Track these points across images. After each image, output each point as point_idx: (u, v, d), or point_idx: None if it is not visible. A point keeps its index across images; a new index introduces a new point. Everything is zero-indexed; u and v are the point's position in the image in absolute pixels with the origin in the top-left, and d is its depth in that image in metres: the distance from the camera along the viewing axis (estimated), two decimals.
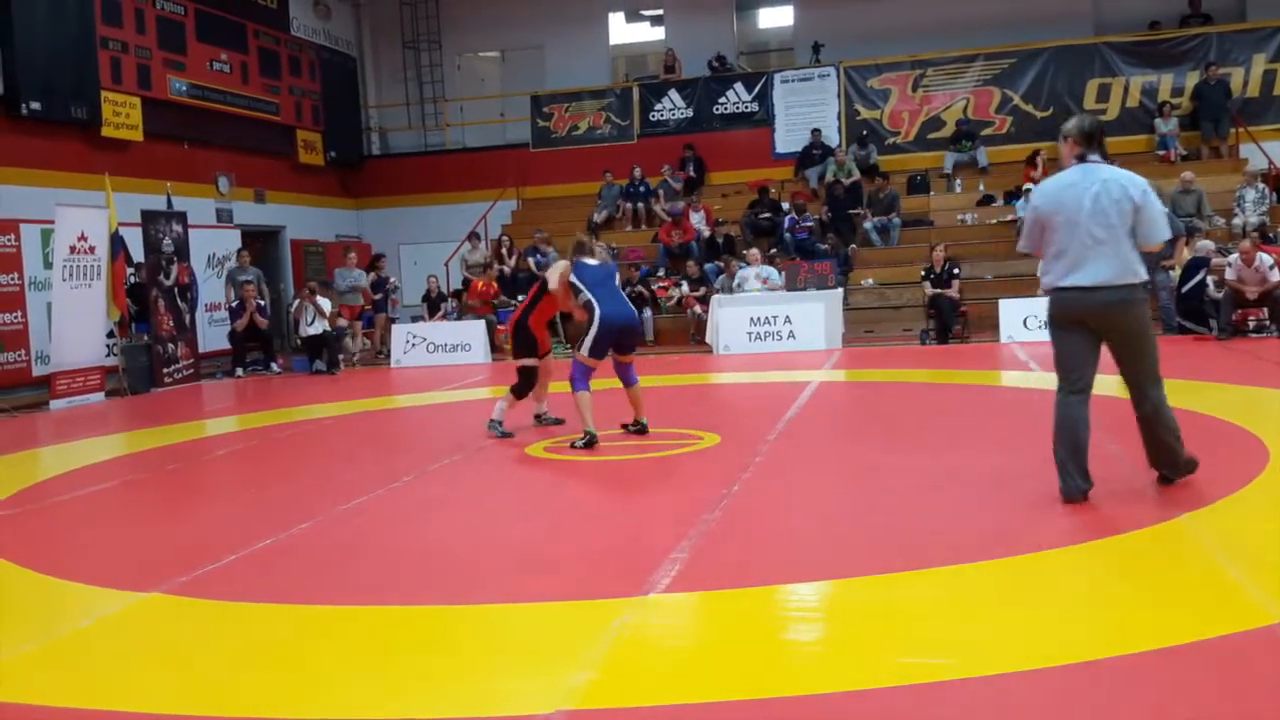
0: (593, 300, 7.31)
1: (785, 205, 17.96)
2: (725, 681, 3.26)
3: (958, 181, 18.53)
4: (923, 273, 14.79)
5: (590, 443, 7.22)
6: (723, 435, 7.60)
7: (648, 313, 16.15)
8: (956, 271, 14.45)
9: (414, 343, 15.76)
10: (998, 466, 6.14)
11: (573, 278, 7.48)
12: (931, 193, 18.55)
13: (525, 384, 7.92)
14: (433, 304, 17.02)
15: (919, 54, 19.18)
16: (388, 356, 16.13)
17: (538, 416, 8.45)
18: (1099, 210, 4.89)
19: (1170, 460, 5.18)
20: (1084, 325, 5.01)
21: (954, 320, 14.29)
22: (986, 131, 18.80)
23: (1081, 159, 5.04)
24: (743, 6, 21.54)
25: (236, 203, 18.12)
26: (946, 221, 17.71)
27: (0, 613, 4.48)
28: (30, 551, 5.38)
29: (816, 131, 19.16)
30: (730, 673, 3.33)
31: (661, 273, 17.25)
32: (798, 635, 3.74)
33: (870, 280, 16.56)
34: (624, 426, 7.75)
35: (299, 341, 15.60)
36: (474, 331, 15.76)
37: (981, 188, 18.20)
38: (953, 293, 14.27)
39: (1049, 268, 5.08)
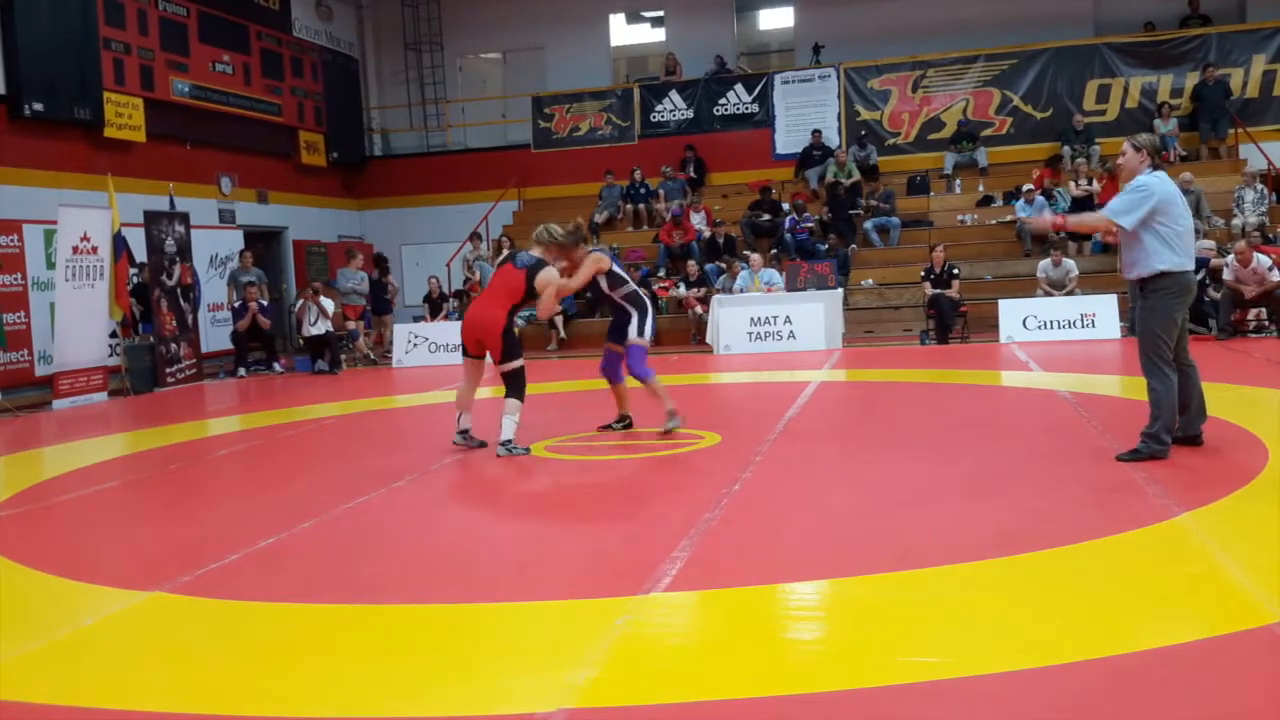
0: (638, 289, 7.54)
1: (785, 206, 17.99)
2: (726, 680, 3.28)
3: (957, 182, 18.56)
4: (922, 273, 14.82)
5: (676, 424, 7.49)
6: (723, 435, 7.63)
7: None
8: (956, 272, 14.48)
9: (416, 343, 15.80)
10: (997, 466, 6.16)
11: (616, 268, 7.54)
12: (931, 193, 18.57)
13: (522, 384, 7.44)
14: (434, 304, 17.07)
15: (919, 55, 19.22)
16: (388, 356, 16.20)
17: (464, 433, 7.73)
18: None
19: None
20: None
21: (954, 320, 14.32)
22: (986, 132, 18.84)
23: (1155, 168, 5.92)
24: (743, 8, 21.56)
25: (239, 203, 18.16)
26: (946, 222, 17.74)
27: (3, 612, 4.51)
28: (33, 551, 5.40)
29: (817, 132, 19.19)
30: (731, 671, 3.35)
31: (662, 273, 17.29)
32: (798, 634, 3.76)
33: (870, 280, 16.57)
34: (603, 428, 7.74)
35: (302, 341, 15.64)
36: None
37: (981, 188, 18.23)
38: (952, 293, 14.30)
39: (1172, 250, 5.77)
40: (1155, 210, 5.77)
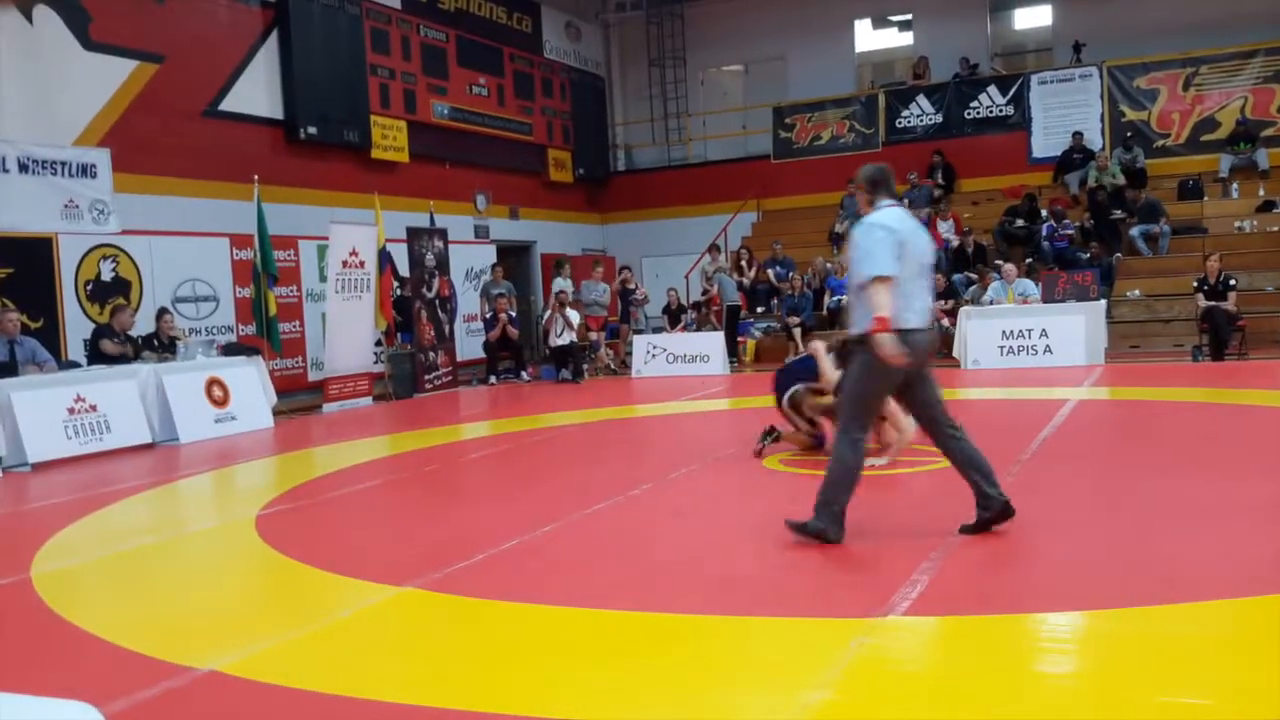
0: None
1: (1044, 212, 17.14)
2: (967, 711, 3.11)
3: (1234, 186, 17.13)
4: (1195, 284, 13.74)
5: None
6: None
7: None
8: (1233, 282, 13.34)
9: (654, 353, 16.02)
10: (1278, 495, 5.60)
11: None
12: (1205, 198, 17.23)
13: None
14: (673, 315, 17.26)
15: (1190, 51, 17.88)
16: (628, 367, 16.52)
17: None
18: None
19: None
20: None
21: (1230, 335, 13.19)
22: (1267, 132, 17.29)
23: (874, 202, 4.98)
24: (997, 7, 20.73)
25: (492, 219, 18.99)
26: (1222, 229, 16.41)
27: (270, 601, 4.85)
28: (300, 545, 5.79)
29: (1078, 134, 18.20)
30: (973, 702, 3.17)
31: None
32: (1046, 667, 3.51)
33: (1136, 292, 15.54)
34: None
35: (548, 351, 16.19)
36: (713, 343, 15.87)
37: (1261, 193, 16.75)
38: (1229, 305, 13.18)
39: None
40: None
